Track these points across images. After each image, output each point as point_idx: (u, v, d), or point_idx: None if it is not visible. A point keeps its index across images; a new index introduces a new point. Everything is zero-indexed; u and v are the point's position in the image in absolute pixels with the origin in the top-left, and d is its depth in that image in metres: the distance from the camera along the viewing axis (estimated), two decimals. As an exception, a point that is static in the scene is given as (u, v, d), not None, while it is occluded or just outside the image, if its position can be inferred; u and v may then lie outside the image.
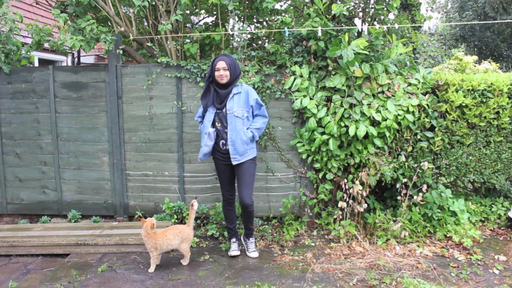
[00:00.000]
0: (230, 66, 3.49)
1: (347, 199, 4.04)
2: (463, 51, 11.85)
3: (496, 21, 5.82)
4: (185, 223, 4.29)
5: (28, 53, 4.81)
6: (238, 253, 3.77)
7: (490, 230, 4.28)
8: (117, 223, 4.44)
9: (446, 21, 15.82)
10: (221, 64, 3.48)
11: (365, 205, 3.98)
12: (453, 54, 9.85)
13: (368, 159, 4.11)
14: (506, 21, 7.72)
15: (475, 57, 8.18)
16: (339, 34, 4.12)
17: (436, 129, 4.18)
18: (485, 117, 4.18)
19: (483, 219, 4.40)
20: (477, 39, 15.07)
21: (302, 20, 4.41)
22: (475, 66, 7.98)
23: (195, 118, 3.89)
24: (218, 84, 3.55)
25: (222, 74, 3.48)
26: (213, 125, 3.59)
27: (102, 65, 4.50)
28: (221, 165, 3.69)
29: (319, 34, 3.94)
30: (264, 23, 4.99)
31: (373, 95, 4.09)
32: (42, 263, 3.79)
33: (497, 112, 4.20)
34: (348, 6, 4.24)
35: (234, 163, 3.55)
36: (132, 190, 4.51)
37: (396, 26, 4.23)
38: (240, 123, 3.52)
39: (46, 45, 4.74)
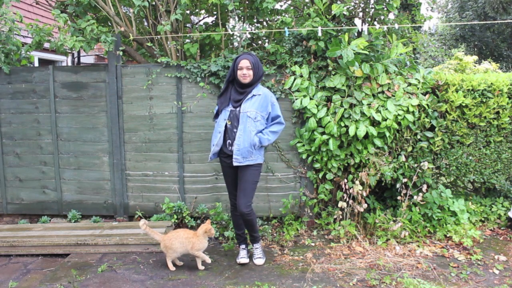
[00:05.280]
0: (254, 65, 3.29)
1: (347, 199, 4.04)
2: (463, 51, 11.86)
3: (496, 21, 5.82)
4: (184, 224, 4.30)
5: (28, 53, 4.81)
6: (247, 260, 3.59)
7: (490, 230, 4.28)
8: (117, 223, 4.44)
9: (446, 21, 15.82)
10: (244, 63, 3.27)
11: (365, 205, 3.98)
12: (453, 54, 9.86)
13: (368, 159, 4.11)
14: (506, 21, 7.73)
15: (475, 57, 8.19)
16: (339, 34, 4.12)
17: (436, 129, 4.18)
18: (485, 117, 4.18)
19: (483, 219, 4.40)
20: (477, 39, 15.08)
21: (302, 20, 4.40)
22: (475, 66, 8.00)
23: (213, 120, 3.63)
24: (239, 84, 3.35)
25: (246, 73, 3.28)
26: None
27: (102, 65, 4.49)
28: (226, 167, 3.51)
29: (319, 34, 3.94)
30: (264, 23, 4.99)
31: (373, 95, 4.09)
32: (42, 263, 3.79)
33: (497, 112, 4.20)
34: (348, 6, 4.24)
35: (234, 164, 3.32)
36: (132, 190, 4.51)
37: (396, 26, 4.23)
38: (251, 125, 3.31)
39: (46, 45, 4.73)
